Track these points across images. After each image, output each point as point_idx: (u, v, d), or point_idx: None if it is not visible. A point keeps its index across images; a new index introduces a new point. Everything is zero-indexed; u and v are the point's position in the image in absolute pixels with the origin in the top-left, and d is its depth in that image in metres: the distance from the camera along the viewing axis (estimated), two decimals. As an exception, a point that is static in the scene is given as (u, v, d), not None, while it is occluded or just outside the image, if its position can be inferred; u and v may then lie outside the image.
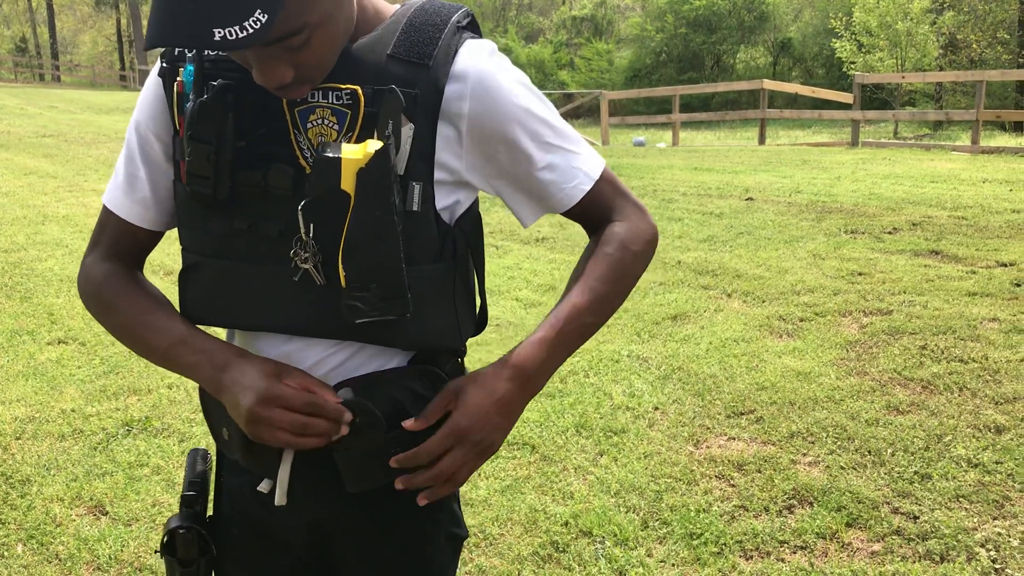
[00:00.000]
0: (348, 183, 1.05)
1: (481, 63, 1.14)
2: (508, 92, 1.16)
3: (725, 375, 4.23)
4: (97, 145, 14.89)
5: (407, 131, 1.09)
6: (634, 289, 1.26)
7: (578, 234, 6.55)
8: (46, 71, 46.79)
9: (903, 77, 18.73)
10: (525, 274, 6.15)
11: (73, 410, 3.97)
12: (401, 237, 1.08)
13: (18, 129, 17.09)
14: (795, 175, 10.87)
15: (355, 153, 1.05)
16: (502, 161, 1.19)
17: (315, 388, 1.13)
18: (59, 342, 4.92)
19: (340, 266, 1.08)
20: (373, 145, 1.06)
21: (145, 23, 43.80)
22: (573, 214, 1.27)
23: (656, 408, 3.90)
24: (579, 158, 1.24)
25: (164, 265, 6.00)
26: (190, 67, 1.12)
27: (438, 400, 1.16)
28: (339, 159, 1.05)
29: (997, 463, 3.25)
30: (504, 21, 47.86)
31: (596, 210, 1.27)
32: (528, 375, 1.16)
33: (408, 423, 1.15)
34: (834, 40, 26.82)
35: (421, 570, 1.30)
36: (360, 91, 1.09)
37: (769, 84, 17.35)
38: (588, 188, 1.24)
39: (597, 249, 1.25)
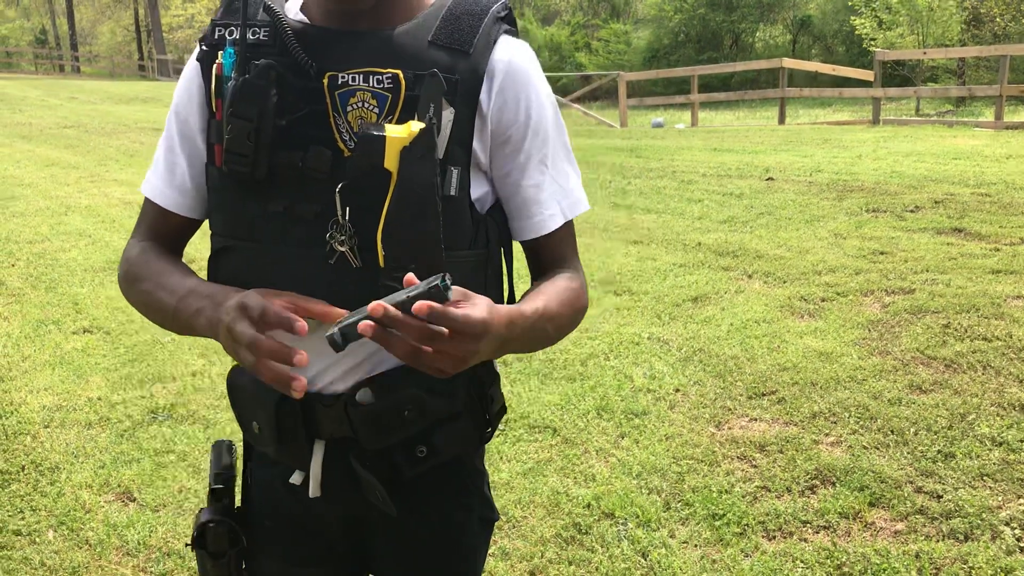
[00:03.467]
0: (391, 161, 1.06)
1: (520, 63, 1.16)
2: (537, 97, 1.17)
3: (746, 356, 4.22)
4: (117, 135, 14.99)
5: (448, 115, 1.10)
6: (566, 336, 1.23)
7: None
8: (66, 62, 47.01)
9: (924, 53, 18.51)
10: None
11: (99, 398, 4.02)
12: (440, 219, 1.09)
13: (40, 120, 17.23)
14: (816, 154, 10.78)
15: (399, 132, 1.06)
16: (502, 160, 1.19)
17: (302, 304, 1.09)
18: (84, 331, 4.97)
19: (379, 246, 1.08)
20: (417, 124, 1.07)
21: (162, 12, 43.84)
22: (531, 247, 1.26)
23: (677, 390, 3.90)
24: (562, 192, 1.23)
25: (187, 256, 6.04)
26: (230, 50, 1.13)
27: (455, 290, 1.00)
28: (383, 136, 1.05)
29: (1022, 441, 3.23)
30: (521, 3, 47.62)
31: (552, 254, 1.25)
32: (514, 329, 1.06)
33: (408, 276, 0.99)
34: (854, 17, 26.49)
35: (455, 554, 1.31)
36: (401, 75, 1.10)
37: (789, 63, 17.18)
38: (558, 226, 1.23)
39: (559, 280, 1.21)
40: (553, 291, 1.19)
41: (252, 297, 1.06)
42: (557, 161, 1.22)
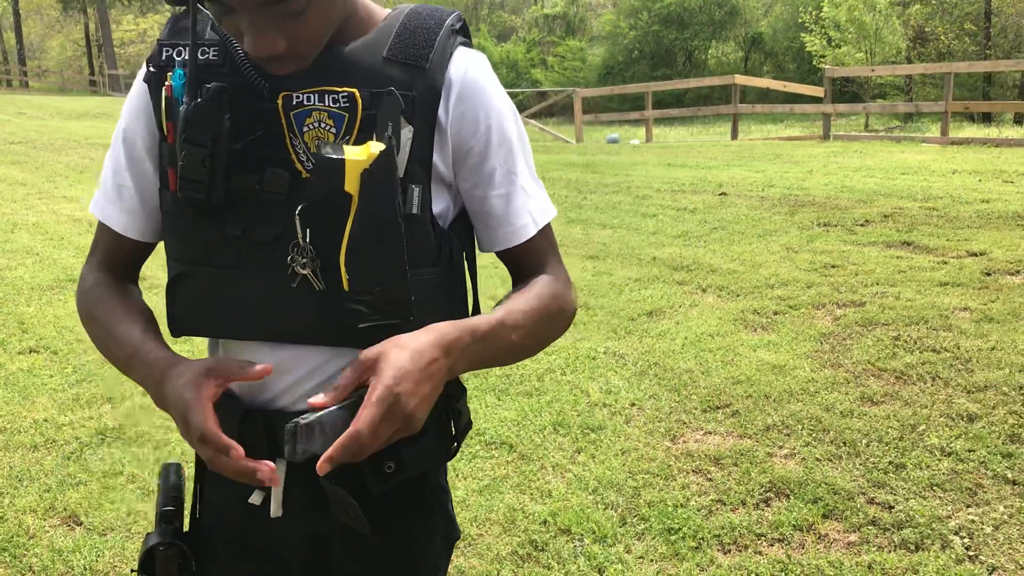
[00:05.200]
0: (352, 184, 1.04)
1: (477, 74, 1.14)
2: (495, 107, 1.16)
3: (701, 370, 4.25)
4: (67, 151, 14.74)
5: (406, 133, 1.08)
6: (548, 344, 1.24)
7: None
8: (14, 77, 46.20)
9: (873, 70, 18.91)
10: (501, 271, 6.11)
11: (46, 420, 3.92)
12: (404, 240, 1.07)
13: (-14, 136, 16.87)
14: (768, 169, 10.94)
15: (359, 154, 1.04)
16: (466, 173, 1.17)
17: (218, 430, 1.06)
18: (30, 351, 4.86)
19: (343, 269, 1.06)
20: (376, 146, 1.04)
21: (113, 27, 43.33)
22: (507, 256, 1.24)
23: (633, 404, 3.91)
24: (532, 200, 1.21)
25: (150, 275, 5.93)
26: (179, 71, 1.10)
27: (349, 371, 1.04)
28: (343, 160, 1.03)
29: (970, 451, 3.28)
30: (476, 20, 47.80)
31: (530, 261, 1.23)
32: (453, 351, 1.06)
33: (314, 399, 1.02)
34: (804, 35, 26.99)
35: (417, 572, 1.29)
36: (358, 93, 1.08)
37: (741, 79, 17.45)
38: (532, 234, 1.21)
39: (532, 288, 1.20)
40: (522, 299, 1.17)
41: (191, 416, 1.04)
42: (523, 170, 1.20)
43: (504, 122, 1.17)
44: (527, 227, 1.20)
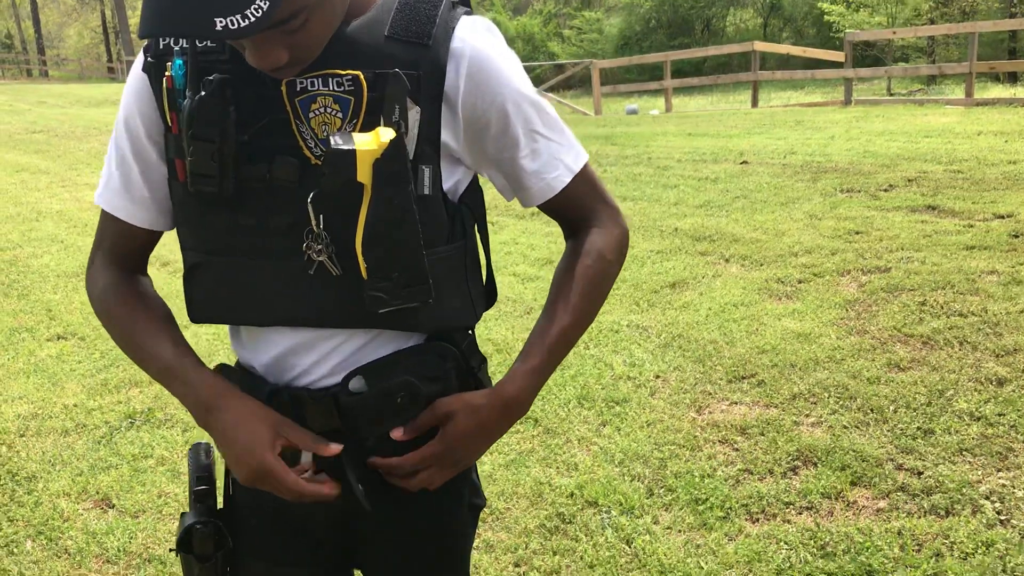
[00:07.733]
0: (364, 174, 1.03)
1: (478, 41, 1.12)
2: (504, 73, 1.14)
3: (725, 340, 4.23)
4: (88, 139, 14.84)
5: (414, 115, 1.08)
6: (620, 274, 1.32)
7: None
8: (33, 66, 46.52)
9: (894, 33, 18.61)
10: (522, 248, 6.13)
11: (75, 405, 3.97)
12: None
13: (7, 126, 17.02)
14: (789, 136, 10.82)
15: (369, 144, 1.03)
16: (489, 143, 1.17)
17: (307, 443, 1.17)
18: (58, 338, 4.92)
19: (360, 257, 1.07)
20: (386, 134, 1.04)
21: (130, 13, 43.39)
22: (549, 208, 1.26)
23: (657, 376, 3.90)
24: (562, 149, 1.22)
25: (160, 257, 5.99)
26: (179, 61, 1.08)
27: (427, 416, 1.18)
28: (354, 151, 1.02)
29: (999, 415, 3.25)
30: (491, -6, 47.41)
31: (572, 208, 1.27)
32: (520, 405, 1.20)
33: (395, 433, 1.17)
34: (821, 3, 26.59)
35: (445, 540, 1.32)
36: (362, 76, 1.07)
37: (760, 46, 17.24)
38: (567, 181, 1.23)
39: (578, 261, 1.24)
40: (569, 290, 1.23)
41: (280, 482, 1.14)
42: (546, 122, 1.20)
43: (516, 85, 1.15)
44: (560, 177, 1.22)
